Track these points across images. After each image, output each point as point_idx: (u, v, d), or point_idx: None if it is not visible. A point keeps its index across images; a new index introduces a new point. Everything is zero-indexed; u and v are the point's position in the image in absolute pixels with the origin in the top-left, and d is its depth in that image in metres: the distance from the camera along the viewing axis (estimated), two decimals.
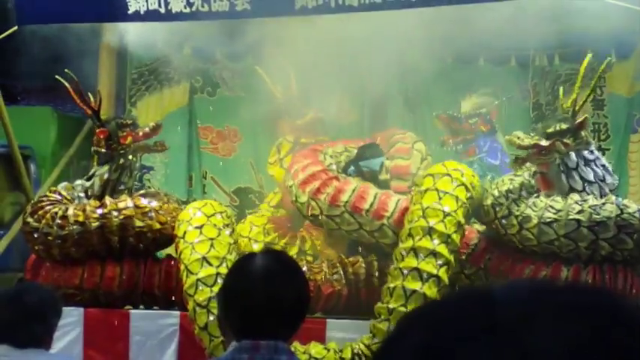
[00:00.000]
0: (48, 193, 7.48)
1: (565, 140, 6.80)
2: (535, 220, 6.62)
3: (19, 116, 9.87)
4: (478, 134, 8.30)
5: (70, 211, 7.00)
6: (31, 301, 3.56)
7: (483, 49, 9.20)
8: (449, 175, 6.54)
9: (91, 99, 7.55)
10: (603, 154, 9.50)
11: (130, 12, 7.46)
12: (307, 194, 6.86)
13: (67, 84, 7.46)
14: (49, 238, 6.97)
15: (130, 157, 7.36)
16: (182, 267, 6.59)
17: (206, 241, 6.61)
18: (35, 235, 7.05)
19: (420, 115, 9.83)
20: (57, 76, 7.59)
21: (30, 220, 7.12)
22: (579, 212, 6.54)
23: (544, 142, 6.80)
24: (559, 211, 6.59)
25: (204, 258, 6.50)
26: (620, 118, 9.63)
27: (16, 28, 7.92)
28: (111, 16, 7.92)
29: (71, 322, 6.71)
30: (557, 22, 8.12)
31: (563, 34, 8.41)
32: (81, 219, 6.94)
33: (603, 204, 6.58)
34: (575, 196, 6.69)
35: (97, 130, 7.50)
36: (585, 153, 6.87)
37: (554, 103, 9.68)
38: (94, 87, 9.70)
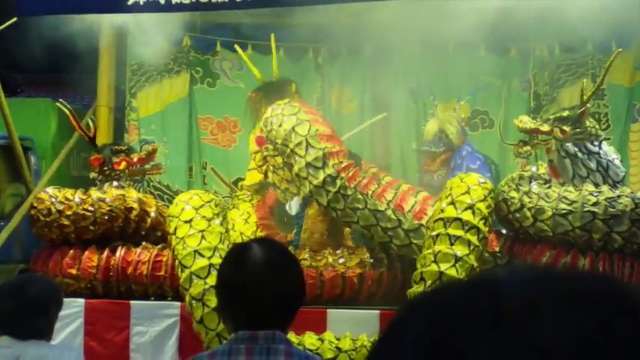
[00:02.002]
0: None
1: (564, 127, 6.85)
2: (549, 212, 6.63)
3: (19, 107, 9.85)
4: (455, 149, 8.45)
5: (94, 195, 7.23)
6: (33, 293, 3.56)
7: (484, 39, 9.18)
8: (459, 219, 6.44)
9: (91, 124, 7.91)
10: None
11: (129, 3, 7.45)
12: (354, 188, 6.88)
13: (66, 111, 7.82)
14: (67, 212, 7.09)
15: (126, 181, 7.55)
16: (176, 262, 6.63)
17: (197, 234, 6.63)
18: (45, 212, 7.12)
19: (422, 104, 9.83)
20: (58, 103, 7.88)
21: (44, 195, 7.23)
22: (595, 204, 6.55)
23: (544, 127, 6.94)
24: (573, 202, 6.60)
25: (196, 251, 6.53)
26: (620, 108, 9.63)
27: (15, 19, 7.91)
28: (111, 7, 7.91)
29: (72, 313, 6.72)
30: (558, 12, 8.10)
31: (564, 24, 8.39)
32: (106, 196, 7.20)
33: (618, 197, 6.58)
34: (590, 187, 6.70)
35: (91, 158, 7.75)
36: (589, 145, 6.88)
37: (553, 93, 9.68)
38: (94, 78, 9.71)
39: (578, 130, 6.87)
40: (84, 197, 7.21)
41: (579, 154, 6.86)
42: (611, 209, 6.52)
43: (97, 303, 6.92)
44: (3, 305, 3.57)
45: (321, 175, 6.87)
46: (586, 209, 6.54)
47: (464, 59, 9.56)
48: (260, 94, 8.01)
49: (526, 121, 7.07)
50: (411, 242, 6.81)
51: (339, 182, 6.87)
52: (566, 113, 6.96)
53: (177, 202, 7.06)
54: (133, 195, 7.31)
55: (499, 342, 0.76)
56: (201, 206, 6.86)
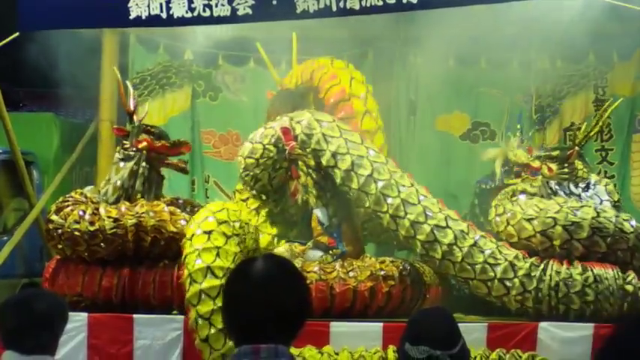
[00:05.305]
0: (73, 194, 7.32)
1: (551, 165, 7.16)
2: (519, 216, 6.92)
3: (21, 122, 9.88)
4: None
5: (102, 210, 6.92)
6: (39, 308, 3.55)
7: (485, 51, 9.21)
8: None
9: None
10: (606, 155, 9.58)
11: (131, 17, 7.46)
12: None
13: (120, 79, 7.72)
14: (77, 234, 6.85)
15: (144, 164, 7.20)
16: (186, 272, 6.38)
17: (213, 249, 6.38)
18: (60, 232, 6.94)
19: (421, 116, 9.85)
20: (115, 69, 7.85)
21: (55, 217, 6.99)
22: (557, 212, 6.76)
23: (534, 163, 7.54)
24: (541, 209, 6.84)
25: (208, 267, 6.29)
26: (622, 119, 9.67)
27: (17, 34, 7.92)
28: (113, 22, 7.93)
29: (75, 328, 6.69)
30: (559, 24, 8.13)
31: (565, 36, 8.41)
32: (115, 215, 6.88)
33: (582, 206, 6.81)
34: (561, 198, 6.97)
35: (115, 127, 7.66)
36: (571, 186, 7.11)
37: (556, 105, 9.70)
38: (96, 91, 9.74)
39: (565, 169, 7.14)
40: (96, 215, 7.00)
41: (559, 192, 7.09)
42: (572, 216, 6.69)
43: (100, 317, 6.89)
44: (8, 320, 3.56)
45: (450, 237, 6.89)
46: (549, 215, 6.75)
47: (464, 72, 9.58)
48: (279, 100, 7.91)
49: (520, 156, 7.97)
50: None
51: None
52: (556, 153, 7.28)
53: (205, 209, 6.80)
54: (151, 211, 6.99)
55: None
56: (225, 222, 6.58)
